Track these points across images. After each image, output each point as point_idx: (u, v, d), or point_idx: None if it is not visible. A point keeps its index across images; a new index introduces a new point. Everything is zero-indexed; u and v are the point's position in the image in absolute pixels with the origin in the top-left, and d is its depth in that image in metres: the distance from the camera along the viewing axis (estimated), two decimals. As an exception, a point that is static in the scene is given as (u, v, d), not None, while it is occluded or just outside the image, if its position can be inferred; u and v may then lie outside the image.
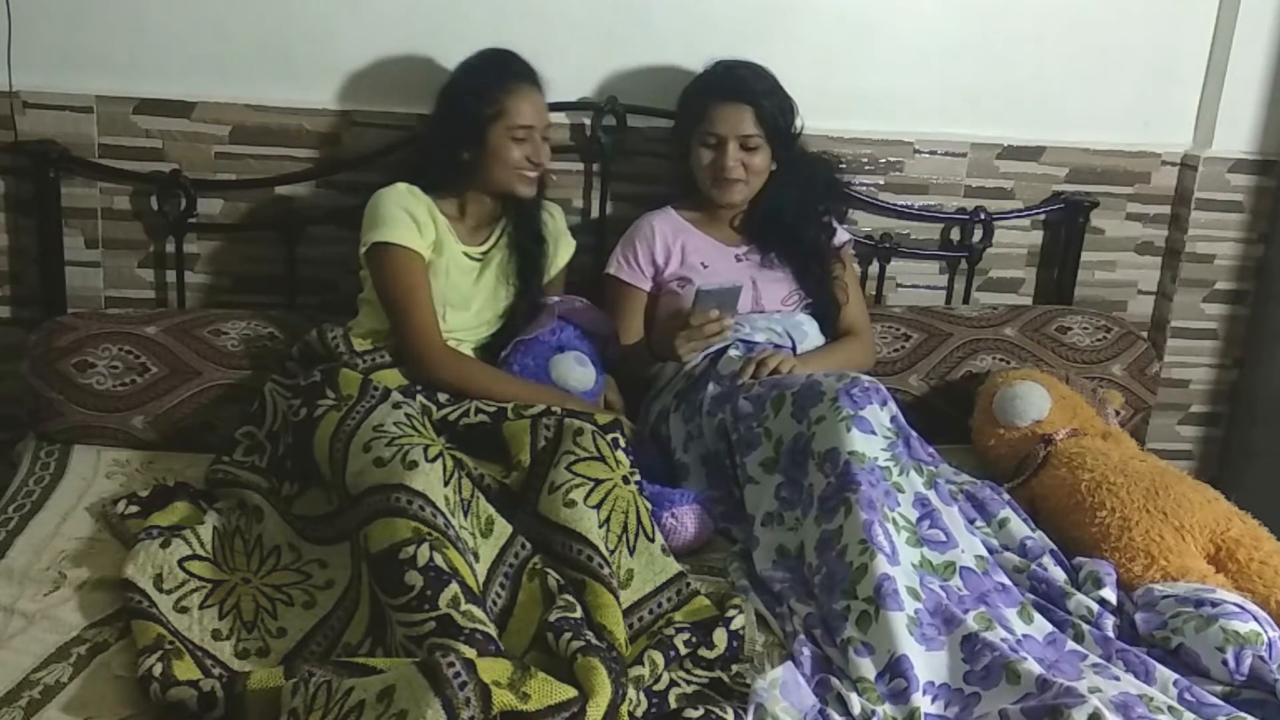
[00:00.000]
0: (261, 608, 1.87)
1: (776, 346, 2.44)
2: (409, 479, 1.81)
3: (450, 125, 2.37)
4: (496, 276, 2.44)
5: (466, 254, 2.41)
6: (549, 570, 1.88)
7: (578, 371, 2.39)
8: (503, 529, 1.93)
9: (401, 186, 2.34)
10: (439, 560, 1.70)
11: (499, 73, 2.36)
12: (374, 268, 2.32)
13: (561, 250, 2.56)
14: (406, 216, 2.30)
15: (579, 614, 1.78)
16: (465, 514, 1.89)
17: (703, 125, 2.48)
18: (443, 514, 1.80)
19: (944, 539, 2.01)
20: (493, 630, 1.68)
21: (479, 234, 2.46)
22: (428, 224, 2.33)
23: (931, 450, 2.18)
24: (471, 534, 1.88)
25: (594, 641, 1.69)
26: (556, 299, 2.49)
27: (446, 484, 1.85)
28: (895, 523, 1.97)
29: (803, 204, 2.58)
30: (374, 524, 1.78)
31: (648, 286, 2.57)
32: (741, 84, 2.49)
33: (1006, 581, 2.01)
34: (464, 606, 1.67)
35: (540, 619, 1.78)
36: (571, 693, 1.54)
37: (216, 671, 1.72)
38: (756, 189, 2.54)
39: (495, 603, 1.84)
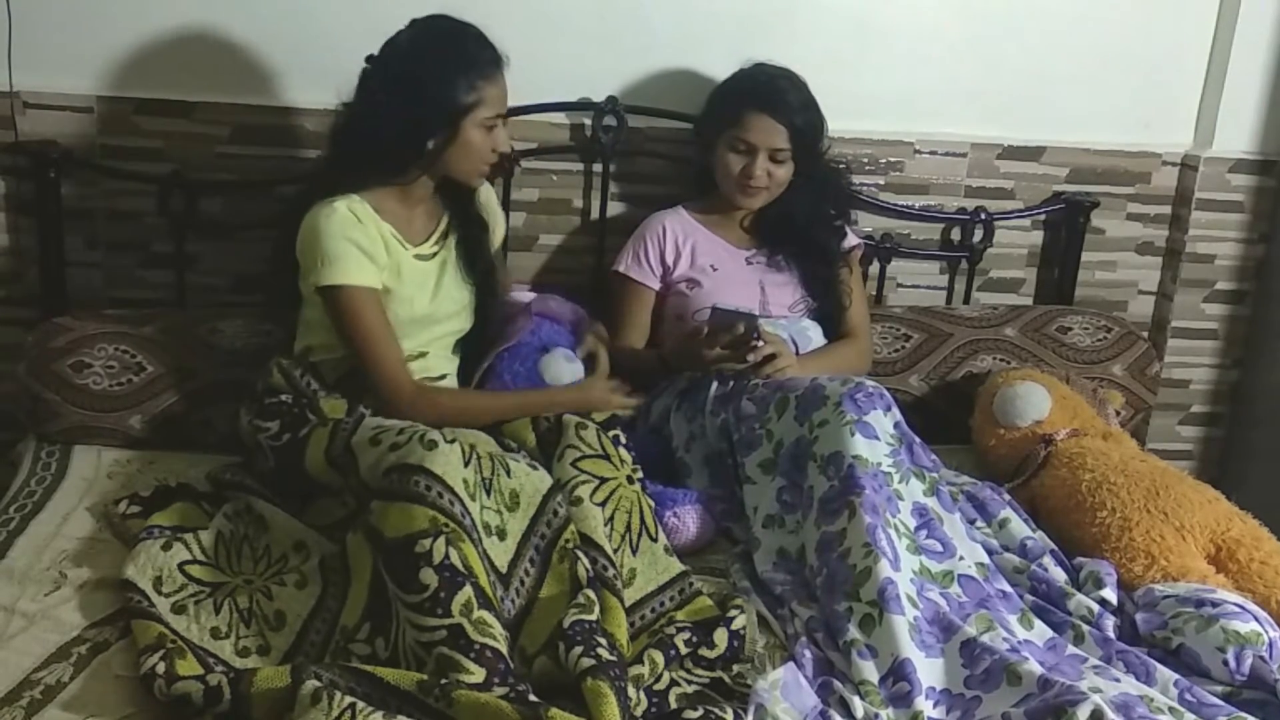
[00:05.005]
0: (257, 595, 1.86)
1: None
2: (428, 460, 1.78)
3: (416, 110, 2.12)
4: (454, 277, 2.32)
5: (419, 256, 2.24)
6: (580, 553, 1.86)
7: (568, 369, 2.37)
8: (530, 501, 1.90)
9: (340, 207, 2.10)
10: (454, 558, 1.69)
11: (478, 57, 2.15)
12: (328, 308, 2.14)
13: (498, 229, 2.45)
14: (355, 250, 2.10)
15: (595, 614, 1.77)
16: (488, 493, 1.86)
17: (734, 130, 2.46)
18: (460, 501, 1.77)
19: (940, 549, 2.01)
20: (503, 645, 1.66)
21: (425, 225, 2.28)
22: (377, 250, 2.13)
23: (934, 456, 2.18)
24: (497, 511, 1.85)
25: (604, 656, 1.66)
26: (529, 298, 2.47)
27: (466, 465, 1.83)
28: (896, 529, 1.97)
29: (815, 207, 2.58)
30: (391, 506, 1.76)
31: (657, 286, 2.57)
32: (780, 97, 2.46)
33: (1007, 588, 2.01)
34: (476, 614, 1.66)
35: (558, 620, 1.77)
36: None
37: (220, 669, 1.72)
38: (775, 196, 2.54)
39: (523, 582, 1.82)
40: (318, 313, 2.19)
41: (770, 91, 2.47)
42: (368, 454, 1.89)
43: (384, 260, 2.15)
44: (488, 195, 2.41)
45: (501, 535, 1.84)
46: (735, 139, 2.47)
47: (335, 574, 1.85)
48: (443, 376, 2.32)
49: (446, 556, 1.69)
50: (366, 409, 2.11)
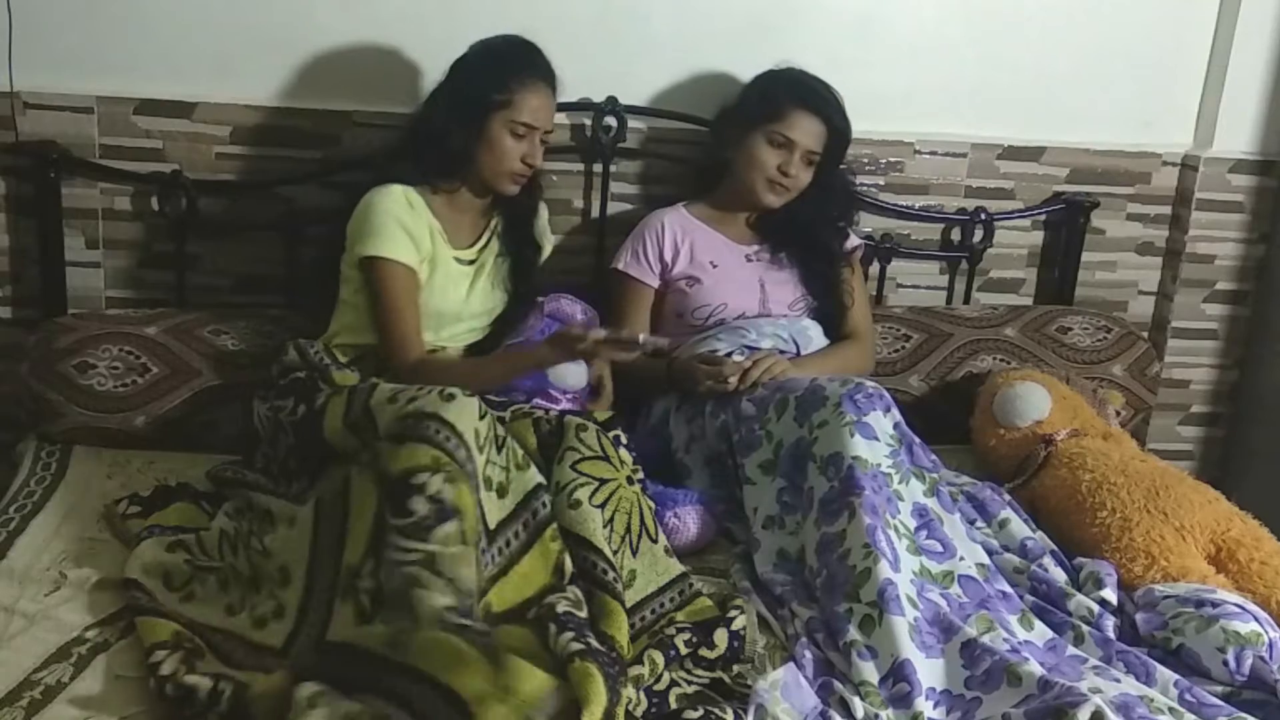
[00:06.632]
0: (255, 556, 1.88)
1: (781, 352, 2.43)
2: (443, 409, 1.79)
3: (453, 103, 2.29)
4: (490, 282, 2.40)
5: (458, 259, 2.35)
6: (568, 556, 1.86)
7: (574, 370, 2.38)
8: (534, 474, 1.91)
9: (397, 190, 2.26)
10: (448, 494, 1.70)
11: (519, 62, 2.30)
12: (365, 277, 2.27)
13: (546, 247, 2.57)
14: (399, 228, 2.23)
15: (585, 613, 1.77)
16: (499, 449, 1.87)
17: (775, 124, 2.46)
18: (467, 448, 1.77)
19: (941, 549, 2.01)
20: (473, 585, 1.68)
21: (470, 233, 2.40)
22: (422, 235, 2.27)
23: (934, 457, 2.18)
24: (504, 468, 1.86)
25: (594, 645, 1.67)
26: (542, 298, 2.50)
27: (481, 418, 1.83)
28: (896, 530, 1.97)
29: (820, 208, 2.58)
30: (400, 447, 1.76)
31: (656, 283, 2.56)
32: (826, 103, 2.48)
33: (1008, 589, 2.01)
34: (453, 548, 1.68)
35: (544, 599, 1.77)
36: (550, 683, 1.55)
37: (236, 657, 1.73)
38: (791, 199, 2.54)
39: (509, 543, 1.83)
40: (351, 291, 2.30)
41: (815, 94, 2.49)
42: (386, 411, 1.86)
43: (426, 249, 2.28)
44: (543, 216, 2.54)
45: (502, 492, 1.84)
46: (775, 133, 2.46)
47: (331, 507, 1.84)
48: None
49: (440, 491, 1.70)
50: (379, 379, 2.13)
